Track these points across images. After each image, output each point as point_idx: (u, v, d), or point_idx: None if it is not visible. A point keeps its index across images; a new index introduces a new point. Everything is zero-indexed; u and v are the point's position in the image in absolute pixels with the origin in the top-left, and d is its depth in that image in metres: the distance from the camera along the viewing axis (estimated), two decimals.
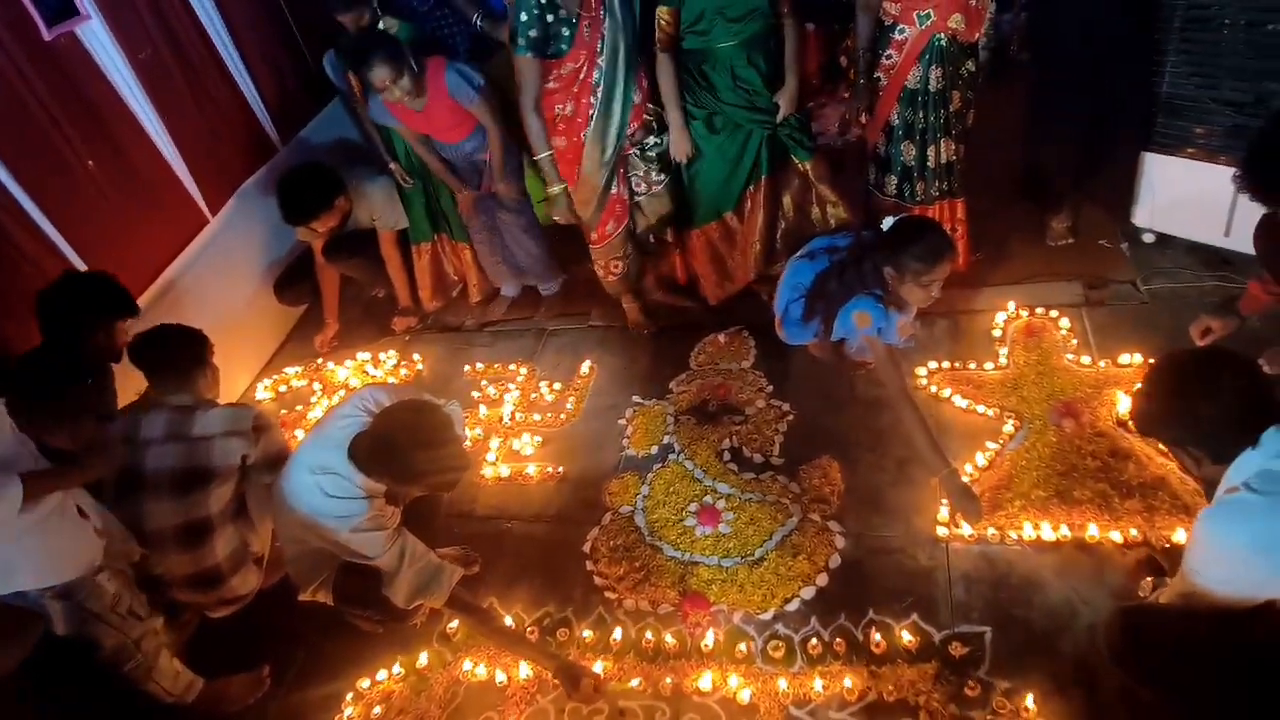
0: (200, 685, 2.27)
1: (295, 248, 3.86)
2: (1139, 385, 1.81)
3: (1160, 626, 1.74)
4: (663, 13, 2.73)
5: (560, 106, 2.85)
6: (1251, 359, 1.71)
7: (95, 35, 3.04)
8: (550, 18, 2.66)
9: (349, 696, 2.30)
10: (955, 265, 3.01)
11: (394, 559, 2.08)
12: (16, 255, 2.73)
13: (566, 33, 2.70)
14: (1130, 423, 1.95)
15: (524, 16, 2.64)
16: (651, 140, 2.99)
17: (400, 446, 2.00)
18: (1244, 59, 2.63)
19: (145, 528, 2.25)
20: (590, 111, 2.84)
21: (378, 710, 2.27)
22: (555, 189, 2.96)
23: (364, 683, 2.32)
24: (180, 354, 2.48)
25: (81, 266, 2.92)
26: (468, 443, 2.99)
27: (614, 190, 3.03)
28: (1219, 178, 2.78)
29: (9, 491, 1.82)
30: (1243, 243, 2.85)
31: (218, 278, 3.48)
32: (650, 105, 2.94)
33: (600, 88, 2.81)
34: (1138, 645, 1.76)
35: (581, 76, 2.80)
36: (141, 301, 3.10)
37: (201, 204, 3.48)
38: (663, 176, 3.07)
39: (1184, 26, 2.69)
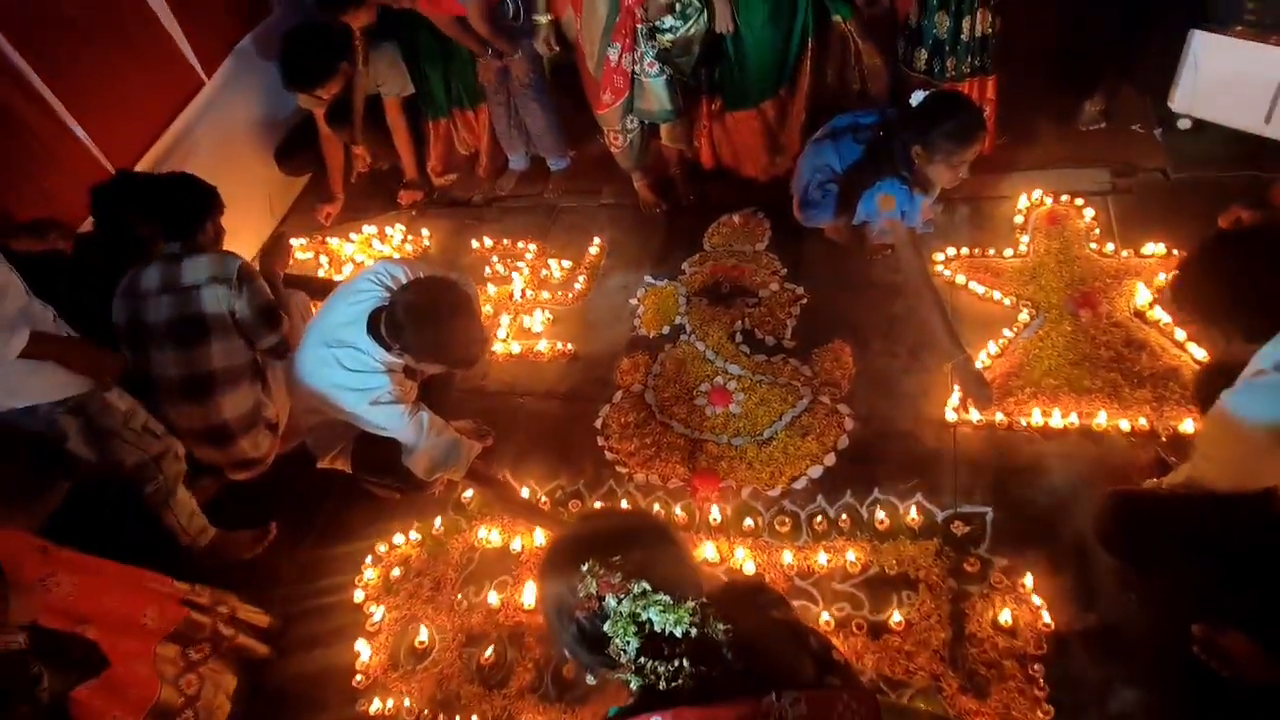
0: (213, 533, 2.37)
1: (297, 113, 3.71)
2: (1189, 254, 1.78)
3: (1151, 511, 1.79)
4: None
5: None
6: None
7: None
8: None
9: (368, 559, 2.39)
10: (984, 145, 2.93)
11: (414, 432, 2.10)
12: (11, 119, 2.63)
13: None
14: (1169, 290, 1.91)
15: None
16: (668, 21, 2.72)
17: (424, 322, 1.99)
18: None
19: (152, 375, 2.28)
20: None
21: (396, 572, 2.36)
22: (541, 19, 2.89)
23: (381, 546, 2.40)
24: (188, 202, 2.44)
25: (77, 130, 2.82)
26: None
27: (610, 59, 2.83)
28: (1268, 60, 2.66)
29: (15, 338, 1.93)
30: None
31: (216, 143, 3.37)
32: None
33: None
34: (1126, 529, 1.81)
35: None
36: (140, 166, 3.03)
37: (196, 64, 3.32)
38: (659, 71, 2.81)
39: None
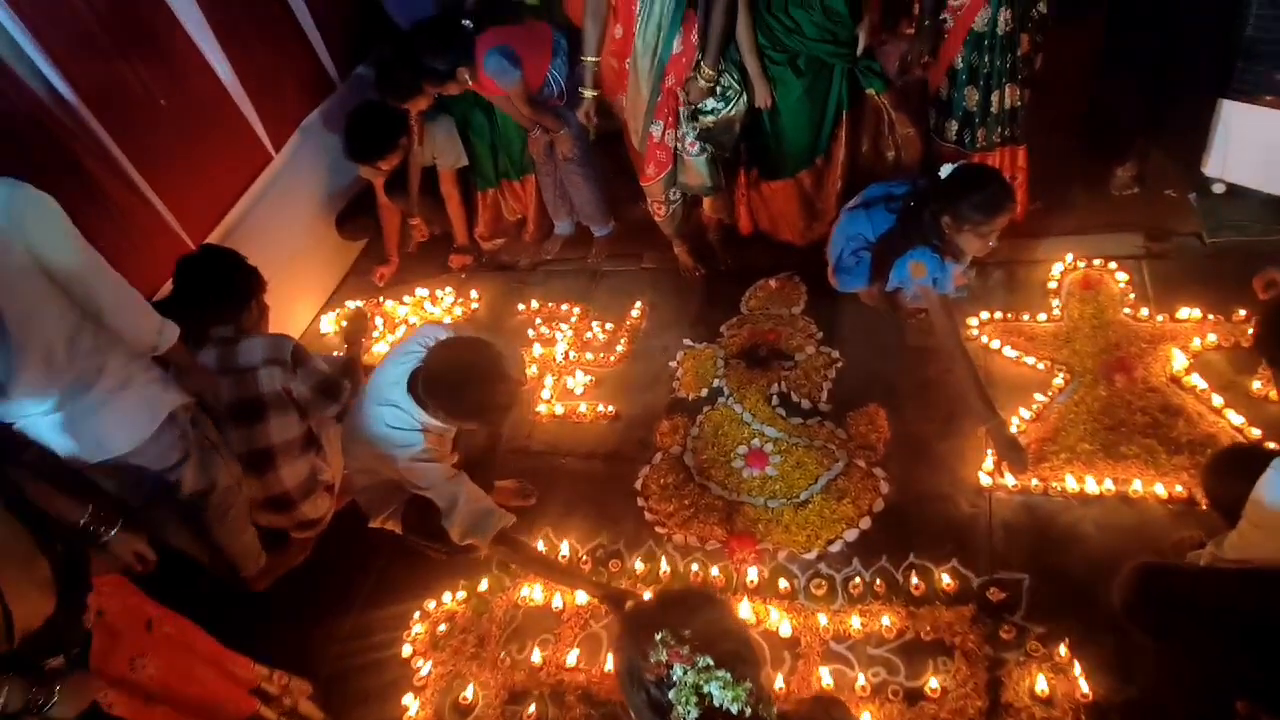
0: (264, 559, 2.52)
1: (356, 181, 3.93)
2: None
3: (1176, 584, 1.80)
4: None
5: (615, 28, 2.83)
6: None
7: None
8: None
9: (416, 615, 2.48)
10: (1014, 215, 2.99)
11: (449, 494, 2.19)
12: (98, 192, 2.86)
13: None
14: (1251, 332, 1.97)
15: None
16: (710, 104, 2.85)
17: (449, 382, 2.11)
18: None
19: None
20: (634, 42, 2.79)
21: (443, 628, 2.45)
22: (587, 94, 2.98)
23: (430, 604, 2.50)
24: (234, 286, 2.59)
25: (158, 205, 3.05)
26: (525, 382, 3.11)
27: (654, 135, 2.97)
28: None
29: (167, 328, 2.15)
30: None
31: (282, 213, 3.59)
32: (710, 68, 2.78)
33: (640, 23, 2.73)
34: (1150, 600, 1.82)
35: (621, 6, 2.74)
36: (211, 238, 3.25)
37: (266, 140, 3.57)
38: (700, 150, 2.94)
39: None
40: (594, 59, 2.89)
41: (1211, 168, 3.05)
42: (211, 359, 2.46)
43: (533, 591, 2.46)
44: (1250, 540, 1.71)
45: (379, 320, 3.65)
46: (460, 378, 2.11)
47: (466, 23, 3.21)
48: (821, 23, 2.80)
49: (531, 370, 3.21)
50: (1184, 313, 2.72)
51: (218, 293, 2.56)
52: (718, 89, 2.83)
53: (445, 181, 3.66)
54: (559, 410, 3.03)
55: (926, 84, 3.04)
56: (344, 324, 3.29)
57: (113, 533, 2.00)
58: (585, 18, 2.84)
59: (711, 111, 2.87)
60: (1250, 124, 2.86)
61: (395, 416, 2.21)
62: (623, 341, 3.24)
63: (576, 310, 3.43)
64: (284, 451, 2.50)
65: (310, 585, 2.61)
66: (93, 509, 1.97)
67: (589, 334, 3.31)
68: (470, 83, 3.20)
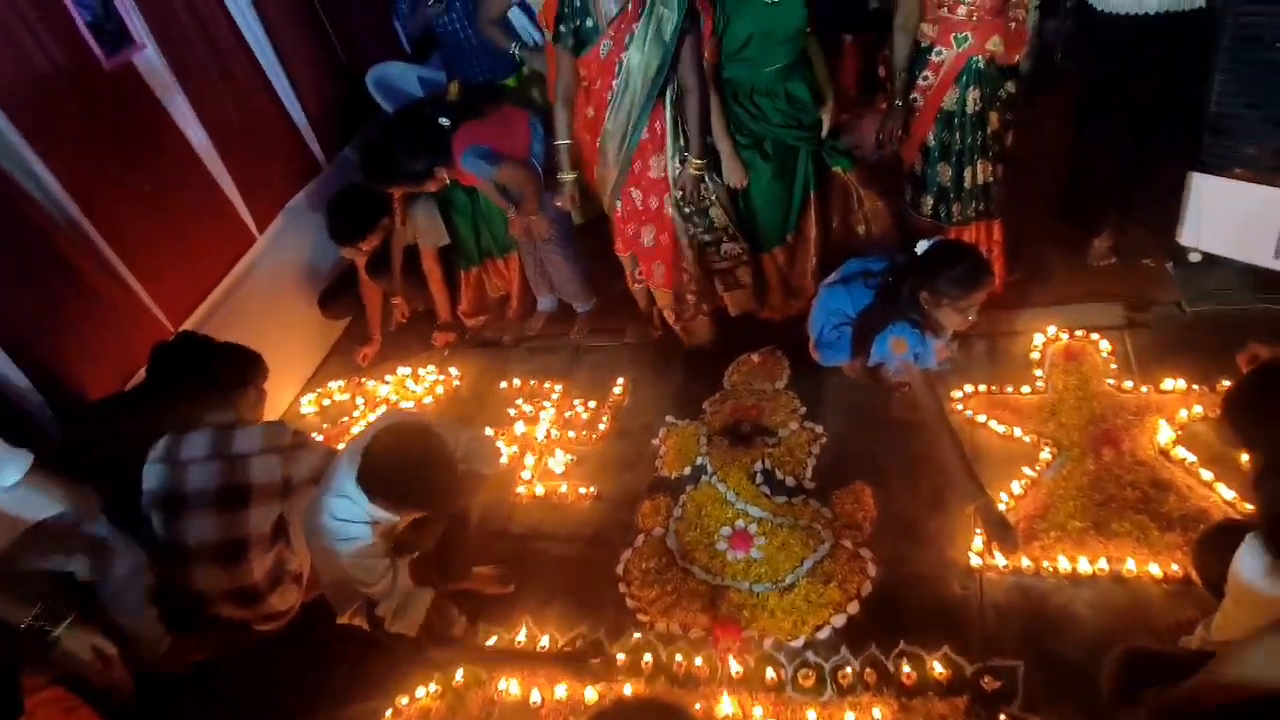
0: (168, 641, 2.34)
1: (339, 261, 3.95)
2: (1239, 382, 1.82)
3: (1163, 670, 1.72)
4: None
5: (588, 109, 2.90)
6: None
7: (150, 63, 3.16)
8: (578, 22, 2.68)
9: (388, 713, 2.37)
10: (992, 288, 3.00)
11: (386, 587, 2.15)
12: (72, 277, 2.84)
13: (591, 42, 2.70)
14: (1221, 412, 1.94)
15: (564, 11, 2.69)
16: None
17: (386, 472, 2.06)
18: None
19: (187, 542, 2.34)
20: (604, 125, 2.85)
21: None
22: (565, 178, 3.01)
23: (403, 699, 2.39)
24: (234, 373, 2.57)
25: (137, 288, 3.04)
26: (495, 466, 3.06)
27: (618, 209, 3.04)
28: (1268, 199, 2.73)
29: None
30: None
31: (265, 293, 3.59)
32: (696, 157, 2.86)
33: (611, 109, 2.80)
34: (1136, 686, 1.74)
35: (597, 88, 2.80)
36: (192, 320, 3.23)
37: (250, 222, 3.59)
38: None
39: (1232, 44, 2.62)
40: (567, 142, 2.95)
41: (1187, 237, 3.08)
42: (203, 443, 2.39)
43: (509, 685, 2.36)
44: (1233, 619, 1.65)
45: (359, 400, 3.61)
46: (396, 465, 2.07)
47: (444, 120, 3.25)
48: (786, 109, 2.87)
49: (512, 450, 3.16)
50: (1168, 383, 2.70)
51: (203, 380, 2.53)
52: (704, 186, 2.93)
53: (427, 259, 3.67)
54: (540, 491, 2.97)
55: (901, 159, 3.09)
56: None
57: (61, 628, 1.92)
58: (555, 103, 2.90)
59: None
60: (1221, 195, 2.89)
61: (344, 508, 2.16)
62: (605, 419, 3.20)
63: (559, 387, 3.40)
64: (258, 543, 2.42)
65: (276, 682, 2.49)
66: (41, 606, 1.89)
67: (570, 412, 3.27)
68: (447, 180, 3.27)
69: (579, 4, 2.65)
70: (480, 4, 3.43)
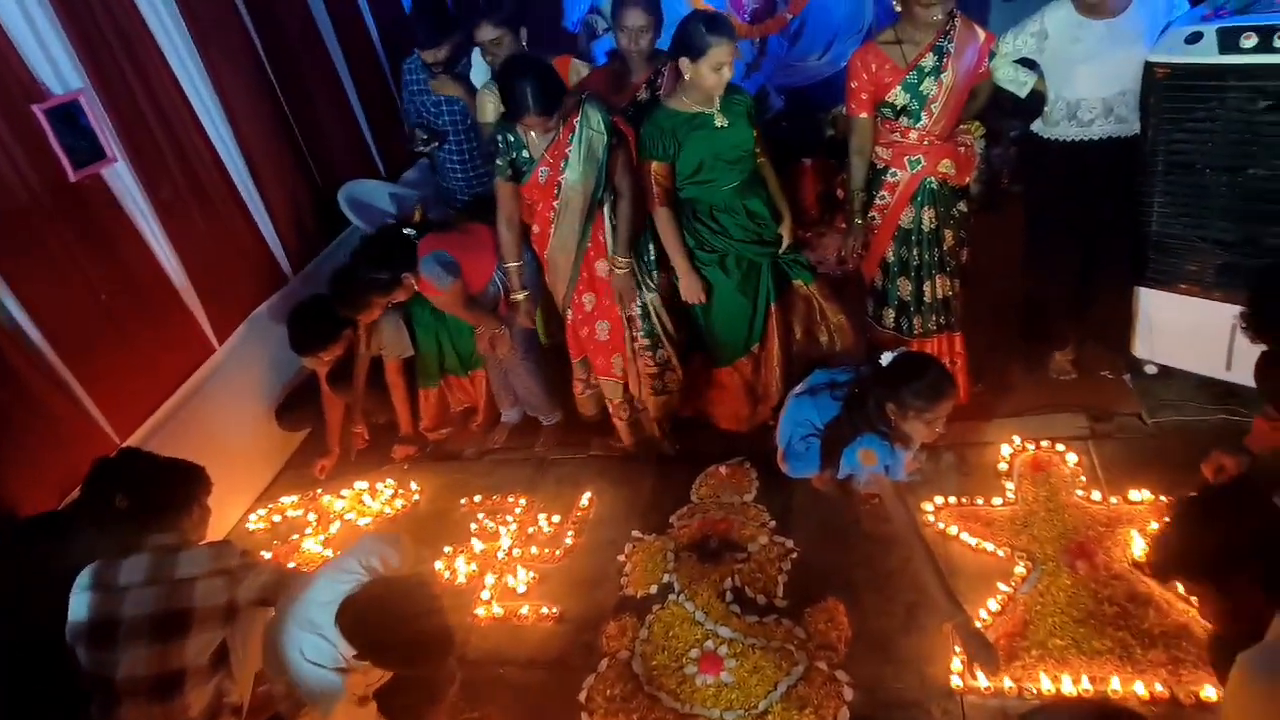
0: None
1: (300, 372, 3.88)
2: (1158, 530, 1.78)
3: None
4: (657, 169, 2.85)
5: (534, 226, 3.04)
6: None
7: (120, 177, 3.17)
8: (514, 154, 2.87)
9: None
10: (957, 399, 3.02)
11: None
12: (16, 387, 2.74)
13: (528, 170, 2.88)
14: (1149, 568, 1.91)
15: (499, 145, 2.88)
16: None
17: (375, 636, 1.97)
18: (1228, 201, 2.69)
19: (117, 676, 2.14)
20: (549, 241, 3.00)
21: None
22: (518, 297, 3.13)
23: None
24: (176, 492, 2.43)
25: (84, 400, 2.94)
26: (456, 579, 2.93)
27: (569, 319, 3.15)
28: (1215, 312, 2.82)
29: None
30: (1245, 375, 2.83)
31: (220, 405, 3.48)
32: (620, 256, 2.96)
33: (555, 225, 2.95)
34: None
35: (540, 209, 2.96)
36: (142, 431, 3.12)
37: (210, 334, 3.53)
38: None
39: (1166, 170, 2.77)
40: (517, 264, 3.08)
41: (1141, 350, 3.15)
42: (142, 567, 2.23)
43: None
44: None
45: (312, 516, 3.46)
46: (392, 624, 1.97)
47: (409, 231, 3.30)
48: (747, 224, 2.95)
49: (471, 568, 3.02)
50: (1135, 495, 2.68)
51: (143, 499, 2.39)
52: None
53: (391, 371, 3.61)
54: (498, 612, 2.82)
55: (862, 275, 3.17)
56: None
57: None
58: (499, 225, 3.03)
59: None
60: (1170, 310, 2.98)
61: (316, 649, 2.04)
62: (570, 534, 3.09)
63: (522, 501, 3.30)
64: (195, 674, 2.23)
65: None
66: None
67: (534, 527, 3.16)
68: (415, 286, 3.27)
69: (513, 139, 2.86)
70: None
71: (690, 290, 3.00)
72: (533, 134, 2.82)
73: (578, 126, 2.80)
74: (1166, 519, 1.80)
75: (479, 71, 3.67)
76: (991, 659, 2.25)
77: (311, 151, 4.32)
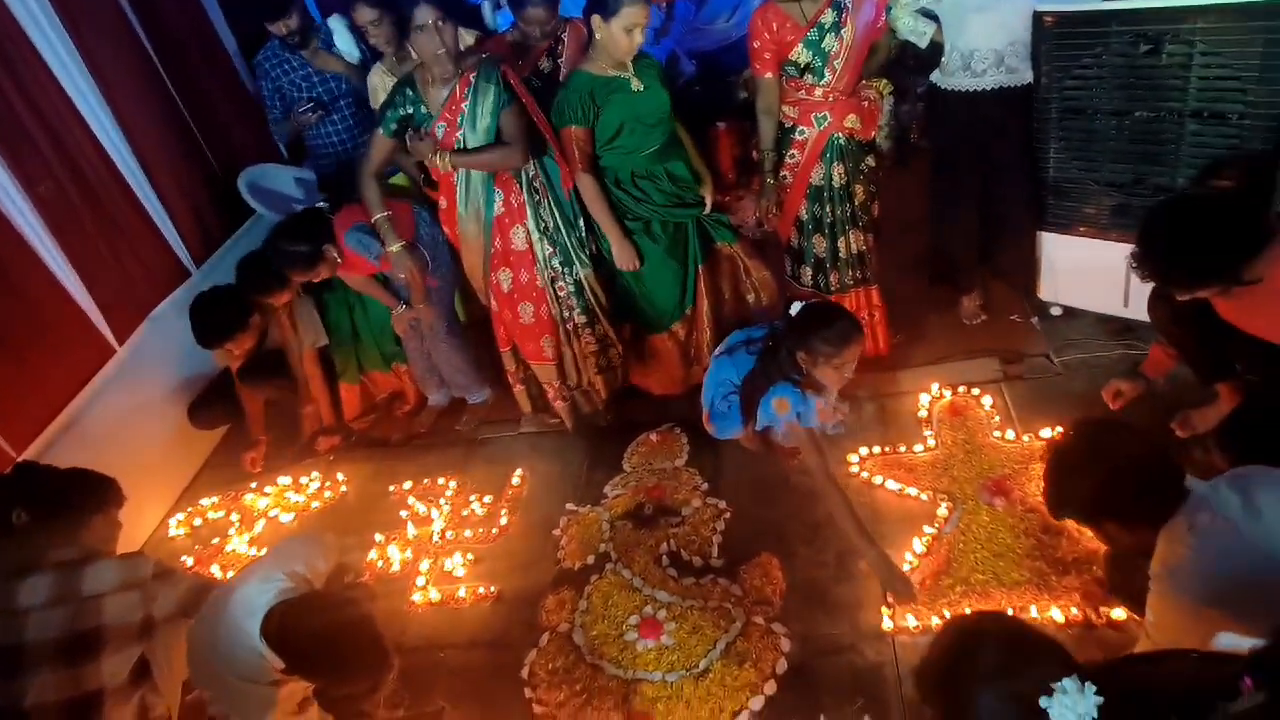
0: None
1: (212, 370, 3.72)
2: (1046, 471, 1.86)
3: None
4: (577, 134, 2.79)
5: (441, 200, 2.97)
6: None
7: None
8: (410, 110, 2.79)
9: None
10: (867, 347, 3.11)
11: None
12: None
13: (425, 127, 2.80)
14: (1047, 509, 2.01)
15: (394, 100, 2.80)
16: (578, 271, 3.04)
17: (309, 657, 1.93)
18: (1118, 144, 2.79)
19: (25, 705, 2.03)
20: (456, 211, 2.94)
21: None
22: (394, 246, 3.01)
23: None
24: (80, 502, 2.30)
25: None
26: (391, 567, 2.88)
27: (501, 285, 3.07)
28: (1111, 252, 2.93)
29: None
30: (1142, 311, 2.98)
31: (125, 409, 3.32)
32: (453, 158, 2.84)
33: (460, 192, 2.89)
34: None
35: (443, 181, 2.90)
36: (39, 442, 2.95)
37: (108, 334, 3.35)
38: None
39: (1060, 116, 2.86)
40: (386, 213, 2.98)
41: (1045, 293, 3.28)
42: (44, 587, 2.08)
43: None
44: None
45: (234, 516, 3.34)
46: (321, 647, 1.92)
47: (322, 204, 3.19)
48: (669, 189, 2.93)
49: (406, 555, 2.97)
50: (1046, 431, 2.80)
51: (42, 513, 2.24)
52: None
53: (307, 361, 3.50)
54: (435, 596, 2.78)
55: (777, 234, 3.19)
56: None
57: None
58: (362, 178, 2.94)
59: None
60: (1069, 252, 3.10)
61: (244, 662, 1.97)
62: (504, 513, 3.06)
63: (453, 484, 3.25)
64: (114, 693, 2.13)
65: None
66: None
67: (467, 510, 3.11)
68: (339, 261, 3.15)
69: (410, 94, 2.77)
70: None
71: (623, 257, 2.96)
72: (431, 90, 2.75)
73: (473, 81, 2.72)
74: (1046, 462, 1.88)
75: (343, 40, 3.67)
76: (907, 590, 2.35)
77: (206, 139, 4.12)
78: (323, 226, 3.13)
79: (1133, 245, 2.18)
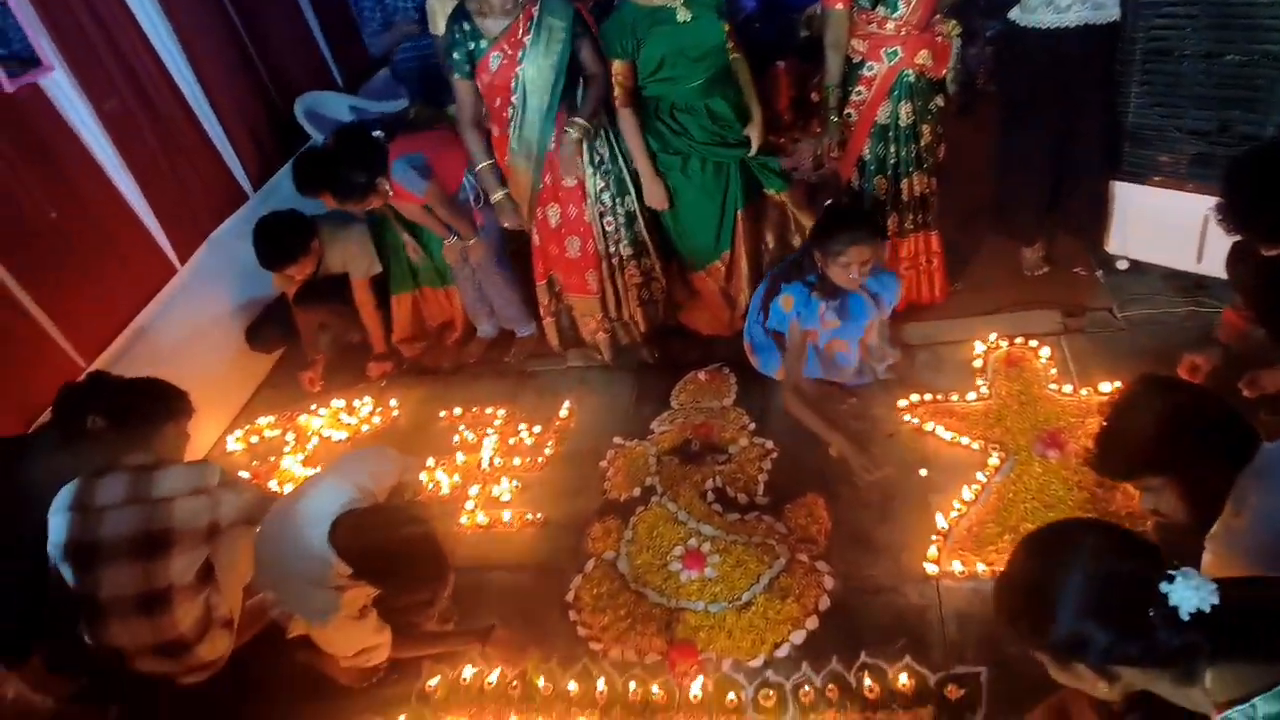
0: None
1: (268, 294, 3.79)
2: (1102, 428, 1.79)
3: None
4: (618, 69, 2.74)
5: (493, 128, 2.93)
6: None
7: (59, 86, 3.01)
8: (471, 45, 2.73)
9: None
10: (923, 294, 3.07)
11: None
12: None
13: (483, 58, 2.74)
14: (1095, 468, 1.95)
15: (454, 39, 2.74)
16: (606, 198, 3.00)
17: (375, 563, 2.01)
18: (1205, 89, 2.67)
19: (101, 595, 2.15)
20: (509, 143, 2.88)
21: None
22: (497, 195, 2.98)
23: None
24: (151, 411, 2.39)
25: (44, 321, 2.85)
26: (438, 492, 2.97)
27: (550, 220, 3.04)
28: (1188, 204, 2.83)
29: None
30: (1215, 267, 2.88)
31: (187, 327, 3.41)
32: (582, 120, 2.81)
33: (514, 126, 2.84)
34: None
35: (497, 106, 2.84)
36: (107, 354, 3.04)
37: (170, 253, 3.43)
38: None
39: (1144, 58, 2.73)
40: (489, 162, 2.94)
41: (1113, 246, 3.17)
42: (119, 487, 2.22)
43: None
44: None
45: (290, 436, 3.43)
46: (388, 557, 2.00)
47: (378, 133, 3.19)
48: (708, 126, 2.87)
49: (455, 479, 3.03)
50: (1106, 386, 2.74)
51: (117, 418, 2.35)
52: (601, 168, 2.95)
53: (360, 290, 3.54)
54: (483, 520, 2.84)
55: (838, 176, 3.12)
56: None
57: None
58: (461, 129, 2.92)
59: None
60: (1143, 203, 2.99)
61: (311, 567, 2.05)
62: (550, 444, 3.10)
63: (502, 413, 3.30)
64: (182, 591, 2.24)
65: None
66: None
67: (515, 438, 3.16)
68: (390, 194, 3.17)
69: (469, 28, 2.71)
70: None
71: (653, 195, 2.94)
72: (488, 21, 2.69)
73: (536, 14, 2.67)
74: (1101, 426, 1.80)
75: None
76: (868, 461, 2.60)
77: (265, 64, 4.13)
78: (379, 156, 3.13)
79: (1211, 198, 2.09)
